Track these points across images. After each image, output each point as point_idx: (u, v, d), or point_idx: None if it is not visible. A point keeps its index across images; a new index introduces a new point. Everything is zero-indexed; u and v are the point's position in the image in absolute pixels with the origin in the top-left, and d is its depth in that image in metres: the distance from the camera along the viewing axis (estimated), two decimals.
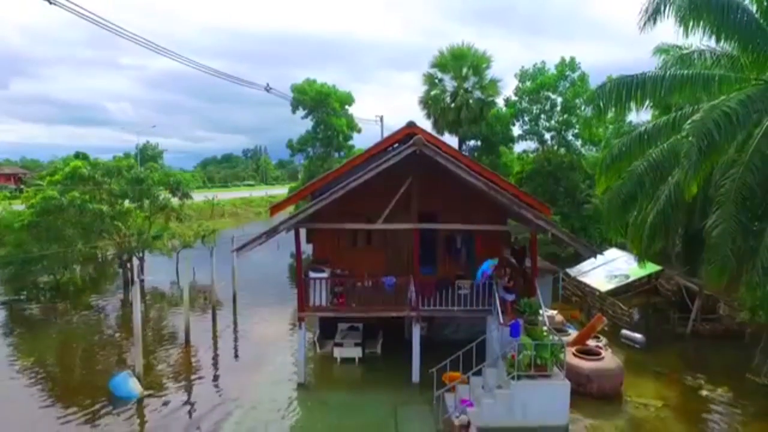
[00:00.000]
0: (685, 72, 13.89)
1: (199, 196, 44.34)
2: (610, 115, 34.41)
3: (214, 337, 18.86)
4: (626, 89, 14.10)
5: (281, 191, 69.95)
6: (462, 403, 11.70)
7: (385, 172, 13.71)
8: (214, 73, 24.47)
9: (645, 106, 18.46)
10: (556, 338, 12.48)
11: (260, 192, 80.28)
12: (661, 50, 17.05)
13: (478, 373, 12.71)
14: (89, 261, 27.38)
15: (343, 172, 15.53)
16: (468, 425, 10.15)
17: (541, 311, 13.05)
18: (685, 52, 15.58)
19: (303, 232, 15.35)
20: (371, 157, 15.53)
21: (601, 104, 14.36)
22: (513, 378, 11.80)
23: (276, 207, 16.83)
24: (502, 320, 12.87)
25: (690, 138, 11.14)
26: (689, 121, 11.86)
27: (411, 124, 15.47)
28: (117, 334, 19.04)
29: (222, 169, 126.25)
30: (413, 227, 13.77)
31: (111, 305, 23.08)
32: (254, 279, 25.82)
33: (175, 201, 26.46)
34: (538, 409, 11.54)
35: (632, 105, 14.34)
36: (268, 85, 28.79)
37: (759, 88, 12.32)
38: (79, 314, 21.32)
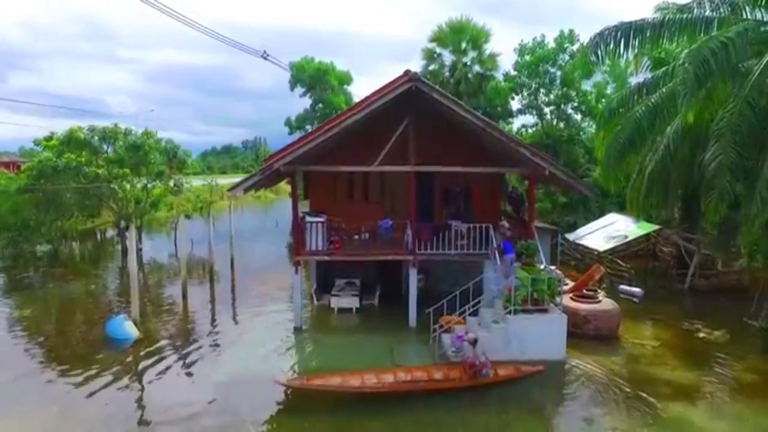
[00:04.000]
0: (684, 16, 13.78)
1: (198, 181, 44.08)
2: (607, 78, 33.88)
3: (212, 295, 18.84)
4: (624, 36, 13.94)
5: None
6: (457, 340, 11.66)
7: (382, 117, 13.66)
8: (218, 37, 24.44)
9: (643, 66, 18.51)
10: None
11: None
12: (660, 9, 16.98)
13: (475, 314, 12.71)
14: (87, 236, 27.28)
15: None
16: (475, 342, 10.20)
17: (538, 253, 13.04)
18: (684, 2, 15.49)
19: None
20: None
21: (599, 52, 14.20)
22: (510, 313, 11.80)
23: (272, 156, 16.61)
24: (499, 261, 12.82)
25: (686, 65, 11.06)
26: (686, 51, 11.77)
27: (408, 73, 15.29)
28: (114, 296, 18.98)
29: (221, 160, 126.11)
30: (410, 170, 13.69)
31: (109, 273, 23.00)
32: (252, 258, 25.52)
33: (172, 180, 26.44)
34: (536, 344, 11.54)
35: (630, 51, 14.23)
36: (265, 52, 28.63)
37: (755, 23, 12.23)
38: (76, 280, 21.24)
